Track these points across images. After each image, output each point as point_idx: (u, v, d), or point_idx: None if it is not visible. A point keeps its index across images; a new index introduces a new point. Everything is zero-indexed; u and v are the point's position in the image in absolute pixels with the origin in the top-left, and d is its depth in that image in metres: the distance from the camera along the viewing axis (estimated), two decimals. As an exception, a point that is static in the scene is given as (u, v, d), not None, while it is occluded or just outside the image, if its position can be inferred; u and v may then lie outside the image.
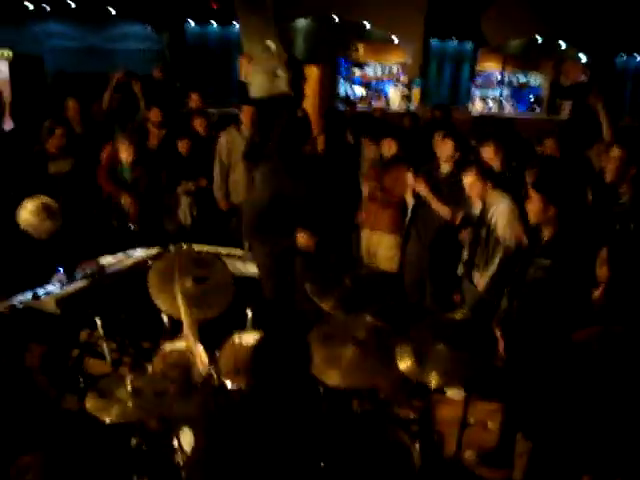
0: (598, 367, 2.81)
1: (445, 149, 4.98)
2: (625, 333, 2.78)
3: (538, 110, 13.76)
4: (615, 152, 4.14)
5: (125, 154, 5.43)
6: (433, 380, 2.95)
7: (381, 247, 5.39)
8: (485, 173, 4.31)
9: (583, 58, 12.90)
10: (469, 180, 4.32)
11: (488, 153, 4.84)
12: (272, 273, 4.16)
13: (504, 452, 3.70)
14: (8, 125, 7.73)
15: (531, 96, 13.85)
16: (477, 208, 4.45)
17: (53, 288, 3.79)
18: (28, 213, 3.95)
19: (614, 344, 2.79)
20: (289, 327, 2.63)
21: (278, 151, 4.13)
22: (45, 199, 4.05)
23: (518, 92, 13.99)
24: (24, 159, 5.46)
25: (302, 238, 3.97)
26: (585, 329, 2.91)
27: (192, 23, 11.94)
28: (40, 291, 3.75)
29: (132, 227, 5.28)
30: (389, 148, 5.40)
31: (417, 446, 3.04)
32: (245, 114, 5.83)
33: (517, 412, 3.62)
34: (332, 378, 3.09)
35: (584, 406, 2.88)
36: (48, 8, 11.24)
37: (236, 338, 3.59)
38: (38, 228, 3.95)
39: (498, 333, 3.56)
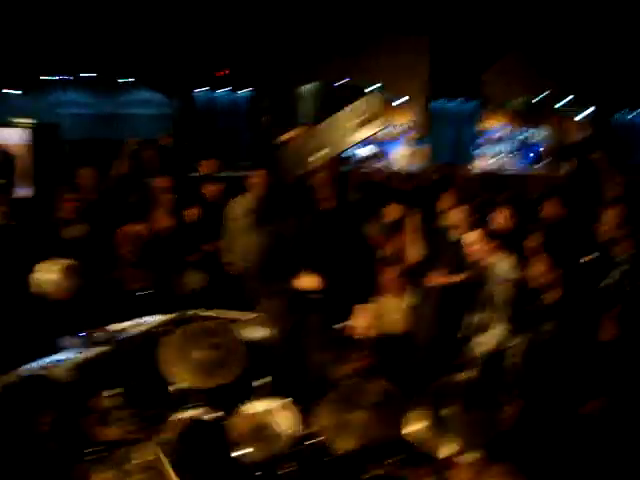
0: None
1: (458, 215, 4.97)
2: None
3: (541, 165, 13.85)
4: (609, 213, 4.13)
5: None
6: (448, 449, 2.92)
7: (394, 310, 5.38)
8: (490, 233, 4.33)
9: (580, 115, 13.11)
10: (471, 239, 4.33)
11: (503, 216, 4.88)
12: (284, 326, 4.13)
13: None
14: (27, 191, 7.92)
15: (532, 154, 13.97)
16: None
17: (65, 356, 3.81)
18: (52, 272, 4.02)
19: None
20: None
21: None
22: (68, 260, 4.14)
23: (520, 148, 14.13)
24: (41, 225, 5.59)
25: (305, 280, 3.94)
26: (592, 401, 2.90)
27: (204, 89, 12.27)
28: (52, 359, 3.77)
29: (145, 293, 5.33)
30: (390, 213, 5.43)
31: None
32: (258, 178, 5.92)
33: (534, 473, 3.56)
34: (344, 443, 3.08)
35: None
36: (65, 78, 11.63)
37: (247, 405, 3.59)
38: (61, 287, 4.00)
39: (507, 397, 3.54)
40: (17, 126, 10.60)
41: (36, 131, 10.53)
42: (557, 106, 13.11)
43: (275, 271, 3.98)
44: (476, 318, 4.42)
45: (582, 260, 4.24)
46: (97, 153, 7.19)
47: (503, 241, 4.37)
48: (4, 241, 5.22)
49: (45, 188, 7.78)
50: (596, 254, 4.23)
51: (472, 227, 4.45)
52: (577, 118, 12.99)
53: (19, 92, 11.24)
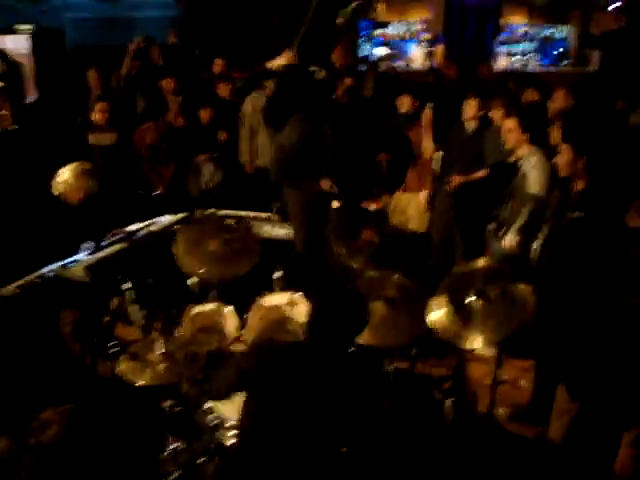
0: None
1: (469, 108, 4.90)
2: None
3: (565, 63, 13.34)
4: None
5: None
6: (468, 340, 2.91)
7: (410, 207, 5.32)
8: (526, 124, 4.21)
9: (613, 5, 12.42)
10: (509, 125, 4.23)
11: (559, 102, 4.83)
12: (304, 219, 4.08)
13: (537, 409, 3.66)
14: (32, 96, 7.77)
15: (556, 51, 13.43)
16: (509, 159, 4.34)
17: (82, 256, 3.81)
18: (66, 174, 3.98)
19: None
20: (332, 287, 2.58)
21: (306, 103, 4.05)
22: (82, 162, 4.08)
23: (543, 46, 13.56)
24: (59, 130, 5.50)
25: (325, 184, 3.85)
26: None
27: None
28: (69, 260, 3.77)
29: (157, 193, 5.29)
30: (402, 105, 5.31)
31: (450, 403, 3.03)
32: (270, 81, 5.76)
33: (552, 369, 3.56)
34: (363, 336, 3.08)
35: (623, 361, 2.82)
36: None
37: (264, 300, 3.60)
38: (76, 188, 3.97)
39: (529, 289, 3.49)
40: (17, 32, 10.29)
41: (37, 37, 10.22)
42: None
43: (300, 166, 3.86)
44: (503, 211, 4.32)
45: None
46: (102, 58, 6.95)
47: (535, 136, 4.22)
48: (10, 145, 5.14)
49: (49, 94, 7.62)
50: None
51: (510, 114, 4.30)
52: (610, 8, 12.28)
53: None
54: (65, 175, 3.99)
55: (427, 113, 5.06)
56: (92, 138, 5.45)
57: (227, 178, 5.88)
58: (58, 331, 3.92)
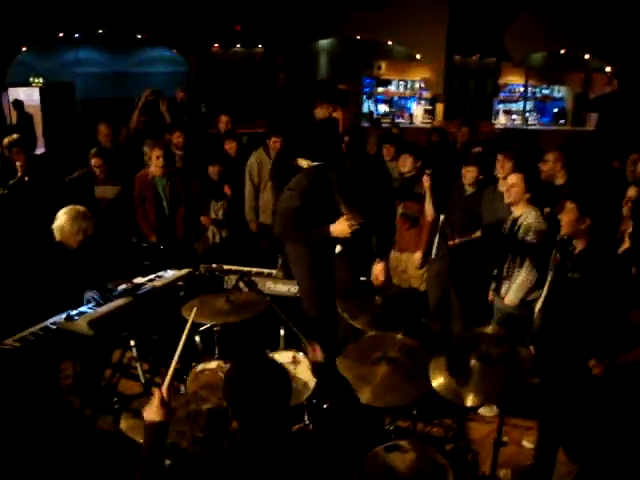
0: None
1: (469, 174, 4.99)
2: None
3: (562, 122, 13.64)
4: None
5: (155, 164, 5.52)
6: (468, 400, 2.91)
7: (410, 266, 5.38)
8: (530, 182, 4.28)
9: (607, 69, 12.79)
10: (514, 180, 4.28)
11: (550, 158, 4.92)
12: (309, 269, 4.01)
13: (540, 471, 3.63)
14: (39, 149, 7.92)
15: (555, 109, 13.74)
16: (507, 218, 4.41)
17: (86, 309, 3.83)
18: (62, 218, 4.03)
19: None
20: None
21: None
22: (74, 205, 4.14)
23: (541, 105, 13.90)
24: (64, 182, 5.61)
25: (341, 225, 3.79)
26: (631, 352, 2.84)
27: (217, 46, 12.11)
28: (73, 312, 3.79)
29: (162, 247, 5.34)
30: (404, 164, 5.36)
31: (451, 465, 3.00)
32: (272, 140, 5.90)
33: (554, 430, 3.55)
34: (364, 396, 3.08)
35: (623, 425, 2.82)
36: (78, 36, 11.51)
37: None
38: (71, 230, 4.01)
39: (532, 349, 3.51)
40: (30, 85, 10.57)
41: (46, 90, 10.50)
42: (585, 58, 12.76)
43: (303, 224, 3.85)
44: (502, 269, 4.37)
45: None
46: (111, 112, 7.12)
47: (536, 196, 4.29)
48: (21, 195, 5.24)
49: (56, 146, 7.78)
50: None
51: (517, 169, 4.38)
52: (604, 72, 12.66)
53: (31, 51, 11.12)
54: (60, 220, 4.05)
55: (426, 179, 5.12)
56: (97, 191, 5.57)
57: (232, 234, 5.96)
58: (58, 384, 3.90)
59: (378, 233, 4.14)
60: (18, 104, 9.99)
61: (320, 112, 4.50)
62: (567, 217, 3.49)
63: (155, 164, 5.48)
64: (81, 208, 4.13)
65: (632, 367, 2.82)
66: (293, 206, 3.78)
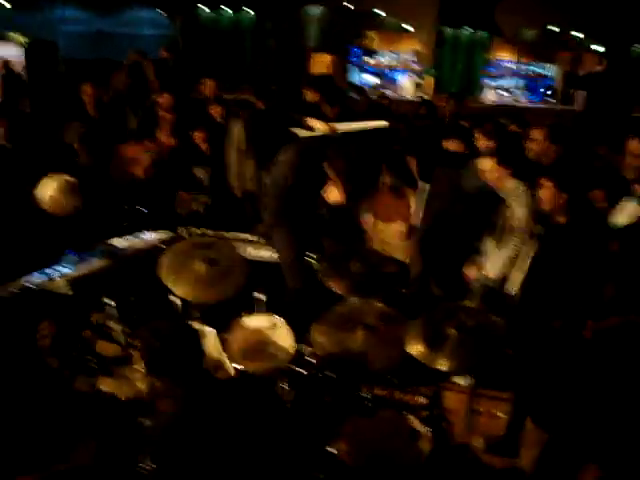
0: (611, 357, 2.79)
1: (451, 147, 5.06)
2: None
3: (551, 101, 13.63)
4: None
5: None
6: (443, 365, 2.95)
7: (393, 237, 5.38)
8: (505, 160, 4.29)
9: (598, 49, 12.77)
10: (486, 166, 4.29)
11: (537, 136, 4.86)
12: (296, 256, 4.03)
13: (512, 441, 3.70)
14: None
15: (543, 89, 13.71)
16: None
17: (65, 269, 3.80)
18: (51, 189, 3.97)
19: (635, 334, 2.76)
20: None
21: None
22: (67, 177, 4.08)
23: (532, 82, 13.86)
24: (38, 144, 5.51)
25: (331, 193, 3.78)
26: (603, 320, 2.89)
27: (205, 9, 11.90)
28: (52, 272, 3.76)
29: (143, 209, 5.29)
30: None
31: (427, 432, 3.05)
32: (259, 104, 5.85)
33: (526, 401, 3.61)
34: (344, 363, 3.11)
35: (594, 395, 2.88)
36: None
37: (245, 320, 3.61)
38: (61, 204, 3.96)
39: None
40: (11, 40, 10.30)
41: (31, 48, 10.25)
42: (573, 35, 12.72)
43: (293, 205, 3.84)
44: (484, 243, 4.40)
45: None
46: (96, 72, 6.98)
47: (518, 169, 4.31)
48: (5, 161, 5.15)
49: (41, 107, 7.63)
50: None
51: (490, 153, 4.38)
52: (593, 48, 12.62)
53: (13, 6, 10.83)
54: (51, 190, 3.98)
55: (411, 161, 5.16)
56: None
57: (215, 199, 5.92)
58: (36, 344, 3.88)
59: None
60: (7, 65, 9.70)
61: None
62: (544, 194, 3.53)
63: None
64: (72, 180, 4.06)
65: (604, 334, 2.87)
66: (286, 184, 3.76)
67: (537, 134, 4.97)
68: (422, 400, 3.37)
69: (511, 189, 4.26)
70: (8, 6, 10.62)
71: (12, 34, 10.36)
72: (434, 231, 5.07)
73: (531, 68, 13.89)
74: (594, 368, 2.84)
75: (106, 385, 2.98)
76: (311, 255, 4.13)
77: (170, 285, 3.42)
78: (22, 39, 10.37)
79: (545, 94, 13.71)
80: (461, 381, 4.27)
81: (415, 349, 3.03)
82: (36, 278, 3.70)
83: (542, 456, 3.33)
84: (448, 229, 4.98)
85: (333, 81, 4.54)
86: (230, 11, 11.94)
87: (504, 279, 4.28)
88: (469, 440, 3.50)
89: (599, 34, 12.51)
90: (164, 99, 6.07)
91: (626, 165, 3.98)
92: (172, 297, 3.56)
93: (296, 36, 11.99)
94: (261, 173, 5.57)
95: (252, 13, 11.92)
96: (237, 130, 5.93)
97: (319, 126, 4.27)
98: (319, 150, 3.67)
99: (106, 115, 6.14)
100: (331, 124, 4.35)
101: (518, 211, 4.17)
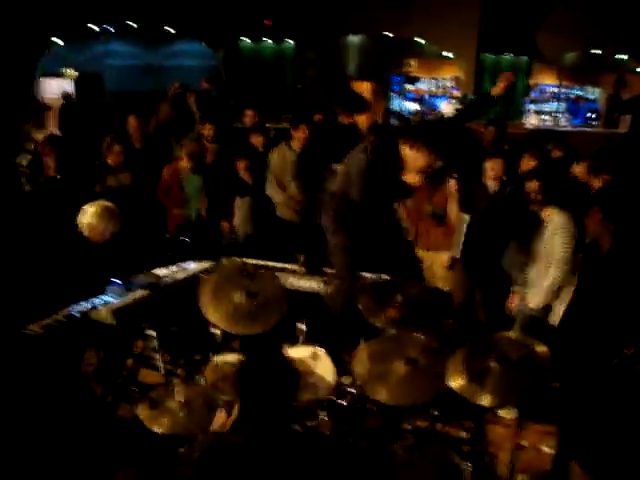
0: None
1: (490, 169, 4.99)
2: None
3: (595, 124, 13.41)
4: None
5: (185, 163, 5.60)
6: (485, 400, 2.89)
7: (436, 265, 5.34)
8: (548, 186, 4.24)
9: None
10: (532, 186, 4.27)
11: (581, 170, 4.88)
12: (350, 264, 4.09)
13: (559, 477, 3.57)
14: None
15: (589, 113, 13.49)
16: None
17: (109, 299, 3.88)
18: (90, 215, 4.08)
19: None
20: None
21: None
22: (106, 202, 4.18)
23: (574, 106, 13.67)
24: (86, 171, 5.70)
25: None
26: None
27: (247, 40, 12.16)
28: (97, 301, 3.84)
29: (186, 240, 5.38)
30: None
31: (469, 467, 2.98)
32: (299, 131, 5.88)
33: (573, 436, 3.50)
34: (381, 395, 3.08)
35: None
36: (109, 28, 11.65)
37: (287, 352, 3.61)
38: (99, 230, 4.06)
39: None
40: (63, 76, 10.72)
41: (79, 82, 10.63)
42: (617, 57, 12.53)
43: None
44: (528, 271, 4.33)
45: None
46: (140, 104, 7.19)
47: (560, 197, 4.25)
48: (52, 192, 5.34)
49: (88, 138, 7.88)
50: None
51: (533, 177, 4.34)
52: (638, 70, 12.40)
53: (63, 42, 11.26)
54: (89, 217, 4.08)
55: (452, 184, 5.14)
56: (110, 180, 5.65)
57: (258, 229, 5.97)
58: (81, 371, 3.96)
59: None
60: (67, 97, 10.05)
61: (341, 118, 4.52)
62: (591, 221, 3.46)
63: (183, 164, 5.57)
64: (110, 206, 4.17)
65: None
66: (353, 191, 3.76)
67: (579, 168, 4.91)
68: (464, 434, 3.29)
69: (552, 215, 4.19)
70: (61, 43, 11.03)
71: (67, 70, 10.79)
72: (477, 260, 5.02)
73: (574, 92, 13.71)
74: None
75: (145, 415, 3.01)
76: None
77: (209, 315, 3.46)
78: (73, 73, 10.80)
79: (588, 117, 13.49)
80: (505, 414, 4.17)
81: (456, 383, 2.97)
82: (81, 307, 3.78)
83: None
84: (490, 255, 4.93)
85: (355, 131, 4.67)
86: (271, 42, 12.17)
87: (548, 309, 4.19)
88: (514, 476, 3.39)
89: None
90: (207, 130, 6.18)
91: None
92: (212, 328, 3.59)
93: (336, 65, 12.13)
94: (306, 201, 5.62)
95: (293, 43, 12.11)
96: (275, 160, 5.96)
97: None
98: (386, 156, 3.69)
99: (151, 145, 6.28)
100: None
101: (558, 239, 4.09)
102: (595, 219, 3.44)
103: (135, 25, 11.42)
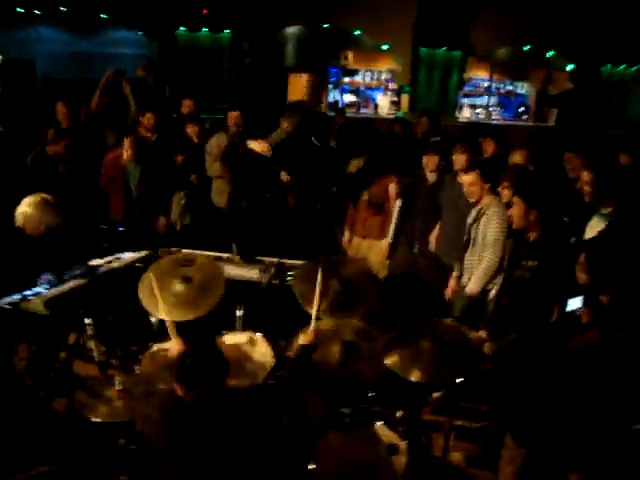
0: (592, 370, 2.83)
1: (430, 162, 5.10)
2: (629, 339, 2.80)
3: (525, 118, 13.88)
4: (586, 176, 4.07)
5: (128, 150, 5.45)
6: (415, 375, 3.01)
7: (372, 253, 5.43)
8: (486, 174, 4.37)
9: (569, 67, 13.06)
10: (470, 179, 4.37)
11: (518, 158, 4.98)
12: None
13: (492, 455, 3.73)
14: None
15: (522, 108, 13.94)
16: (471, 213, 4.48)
17: (42, 289, 3.78)
18: (27, 206, 3.96)
19: (617, 349, 2.81)
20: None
21: None
22: (43, 194, 4.07)
23: (505, 100, 14.10)
24: (19, 161, 5.50)
25: None
26: (582, 334, 2.93)
27: (183, 29, 11.95)
28: (28, 292, 3.73)
29: (121, 229, 5.28)
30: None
31: (405, 446, 3.08)
32: (231, 119, 5.89)
33: (505, 415, 3.65)
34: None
35: (574, 409, 2.92)
36: (39, 13, 11.22)
37: (224, 338, 3.63)
38: (34, 220, 3.95)
39: (484, 334, 3.61)
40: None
41: (5, 66, 10.21)
42: (546, 57, 13.01)
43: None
44: (465, 258, 4.47)
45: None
46: (72, 92, 6.97)
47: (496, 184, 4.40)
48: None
49: (16, 125, 7.60)
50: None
51: (471, 168, 4.46)
52: (567, 69, 12.91)
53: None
54: (25, 207, 3.98)
55: (392, 188, 5.29)
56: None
57: (195, 219, 5.93)
58: (12, 365, 3.85)
59: None
60: None
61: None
62: (515, 211, 3.61)
63: (126, 153, 5.43)
64: (48, 198, 4.06)
65: (583, 350, 2.91)
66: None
67: (517, 156, 5.06)
68: (400, 414, 3.38)
69: (488, 204, 4.33)
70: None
71: None
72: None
73: (505, 86, 14.14)
74: (572, 381, 2.89)
75: (82, 404, 2.97)
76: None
77: (147, 303, 3.44)
78: (-1, 57, 10.35)
79: (519, 112, 13.95)
80: (438, 395, 4.31)
81: (390, 360, 3.09)
82: (12, 299, 3.66)
83: (522, 471, 3.37)
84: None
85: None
86: (208, 32, 12.02)
87: (485, 294, 4.34)
88: (448, 454, 3.52)
89: (570, 53, 12.80)
90: (147, 119, 6.06)
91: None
92: (150, 316, 3.57)
93: (274, 56, 12.08)
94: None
95: (230, 33, 12.00)
96: (213, 147, 5.93)
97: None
98: None
99: (82, 133, 6.11)
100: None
101: (492, 227, 4.24)
102: (518, 207, 3.58)
103: (66, 10, 11.04)
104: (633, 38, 11.70)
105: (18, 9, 10.82)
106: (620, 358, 2.77)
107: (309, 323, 3.31)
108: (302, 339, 3.15)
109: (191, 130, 6.17)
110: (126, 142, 5.45)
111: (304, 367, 3.04)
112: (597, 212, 3.92)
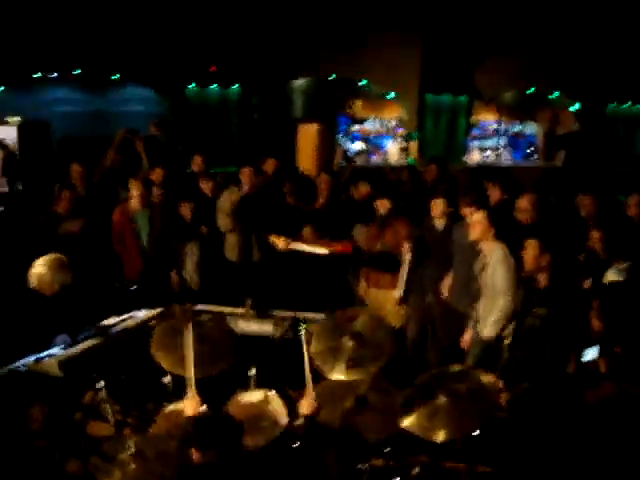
0: (610, 426, 2.78)
1: (436, 207, 5.14)
2: None
3: (534, 158, 13.94)
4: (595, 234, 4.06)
5: (136, 200, 5.51)
6: (439, 435, 2.93)
7: (388, 303, 5.41)
8: (493, 219, 4.38)
9: (574, 107, 13.18)
10: (478, 217, 4.38)
11: (525, 203, 4.95)
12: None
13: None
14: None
15: (531, 148, 14.01)
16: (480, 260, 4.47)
17: (56, 350, 3.80)
18: (40, 266, 4.02)
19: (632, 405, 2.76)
20: None
21: None
22: (56, 254, 4.13)
23: (514, 141, 14.19)
24: (34, 221, 5.60)
25: None
26: (597, 388, 2.88)
27: (193, 84, 12.23)
28: (43, 354, 3.75)
29: (133, 288, 5.32)
30: (383, 206, 5.50)
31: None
32: (244, 175, 5.97)
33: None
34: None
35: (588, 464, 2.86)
36: (54, 75, 11.56)
37: (240, 397, 3.60)
38: (47, 280, 4.00)
39: (500, 384, 3.55)
40: (6, 123, 10.54)
41: (24, 128, 10.48)
42: (550, 97, 13.16)
43: None
44: (478, 305, 4.44)
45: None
46: (87, 150, 7.14)
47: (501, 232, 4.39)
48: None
49: (33, 185, 7.77)
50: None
51: (478, 208, 4.48)
52: (571, 109, 13.03)
53: (6, 89, 11.12)
54: (39, 267, 4.03)
55: (406, 249, 5.29)
56: (60, 228, 5.55)
57: (208, 273, 5.96)
58: (27, 427, 3.84)
59: None
60: (4, 145, 9.89)
61: None
62: (528, 254, 3.60)
63: (135, 199, 5.48)
64: (62, 258, 4.13)
65: (602, 404, 2.86)
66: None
67: (524, 202, 5.03)
68: (417, 470, 3.31)
69: (492, 250, 4.32)
70: (1, 88, 10.88)
71: (10, 117, 10.60)
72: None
73: (514, 127, 14.25)
74: (586, 438, 2.83)
75: (97, 469, 2.95)
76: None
77: (160, 361, 3.43)
78: (15, 120, 10.62)
79: (528, 152, 14.02)
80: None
81: (408, 421, 3.02)
82: (27, 360, 3.68)
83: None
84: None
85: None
86: (217, 87, 12.29)
87: (500, 340, 4.29)
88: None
89: (575, 93, 12.94)
90: (156, 175, 6.16)
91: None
92: (164, 377, 3.56)
93: (282, 108, 12.31)
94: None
95: (238, 87, 12.26)
96: (225, 202, 6.00)
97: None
98: None
99: (96, 193, 6.21)
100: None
101: (499, 274, 4.21)
102: (532, 251, 3.57)
103: (80, 71, 11.38)
104: (636, 76, 11.82)
105: (34, 75, 11.14)
106: (634, 413, 2.71)
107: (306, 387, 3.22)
108: (304, 408, 3.08)
109: (205, 186, 6.26)
110: (133, 185, 5.48)
111: (314, 435, 3.01)
112: (613, 266, 3.89)
